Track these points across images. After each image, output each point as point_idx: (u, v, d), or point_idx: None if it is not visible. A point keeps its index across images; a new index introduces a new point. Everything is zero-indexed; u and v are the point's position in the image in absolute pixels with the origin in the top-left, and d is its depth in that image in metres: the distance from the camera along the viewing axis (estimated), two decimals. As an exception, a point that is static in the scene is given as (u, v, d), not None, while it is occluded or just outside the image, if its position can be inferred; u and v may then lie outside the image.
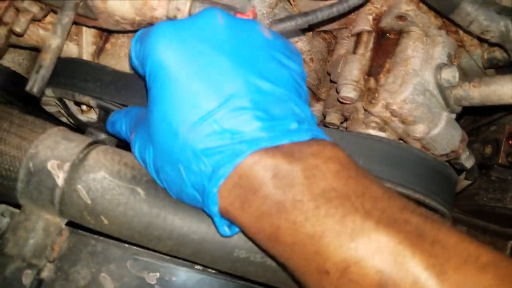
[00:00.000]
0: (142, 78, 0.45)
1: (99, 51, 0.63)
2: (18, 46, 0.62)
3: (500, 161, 0.87)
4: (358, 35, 0.62)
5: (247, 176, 0.37)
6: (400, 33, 0.59)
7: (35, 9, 0.53)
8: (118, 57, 0.62)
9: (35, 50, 0.68)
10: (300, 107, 0.42)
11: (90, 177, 0.43)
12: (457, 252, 0.33)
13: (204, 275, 0.46)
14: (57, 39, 0.44)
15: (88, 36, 0.62)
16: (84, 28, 0.61)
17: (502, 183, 0.88)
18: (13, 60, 0.75)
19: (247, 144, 0.38)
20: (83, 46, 0.62)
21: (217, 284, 0.46)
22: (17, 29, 0.52)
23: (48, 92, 0.58)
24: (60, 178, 0.42)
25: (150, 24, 0.52)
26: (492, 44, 0.53)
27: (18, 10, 0.53)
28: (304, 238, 0.35)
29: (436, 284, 0.31)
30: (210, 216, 0.41)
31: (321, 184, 0.36)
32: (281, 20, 0.49)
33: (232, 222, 0.40)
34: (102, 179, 0.43)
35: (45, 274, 0.44)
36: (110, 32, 0.63)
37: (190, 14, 0.49)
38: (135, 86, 0.56)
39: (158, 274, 0.46)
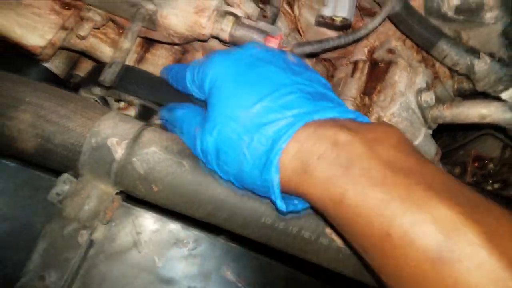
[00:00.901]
0: (197, 97, 0.55)
1: (140, 59, 0.73)
2: (67, 48, 0.72)
3: (467, 180, 1.00)
4: (355, 63, 0.75)
5: (307, 144, 0.41)
6: (389, 63, 0.72)
7: (97, 18, 0.63)
8: (156, 65, 0.72)
9: (80, 54, 0.78)
10: (337, 99, 0.48)
11: (144, 151, 0.52)
12: (506, 222, 0.36)
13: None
14: (127, 43, 0.55)
15: (128, 42, 0.72)
16: (128, 37, 0.71)
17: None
18: (52, 63, 0.84)
19: (301, 116, 0.43)
20: (128, 53, 0.72)
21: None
22: (81, 33, 0.62)
23: (95, 90, 0.67)
24: (118, 153, 0.51)
25: (196, 39, 0.63)
26: (460, 74, 0.67)
27: (82, 18, 0.63)
28: (371, 202, 0.38)
29: (491, 249, 0.33)
30: (269, 196, 0.45)
31: (384, 155, 0.39)
32: (301, 44, 0.61)
33: (292, 192, 0.44)
34: (153, 153, 0.52)
35: (96, 235, 0.52)
36: (152, 43, 0.74)
37: (231, 35, 0.61)
38: (171, 90, 0.66)
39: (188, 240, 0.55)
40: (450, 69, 0.71)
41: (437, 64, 0.74)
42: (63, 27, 0.65)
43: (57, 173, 0.54)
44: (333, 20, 0.62)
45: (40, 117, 0.50)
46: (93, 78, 0.68)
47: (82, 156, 0.51)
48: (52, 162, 0.52)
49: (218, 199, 0.50)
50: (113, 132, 0.52)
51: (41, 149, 0.51)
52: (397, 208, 0.36)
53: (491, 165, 1.03)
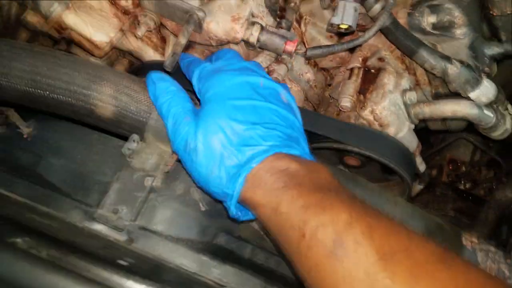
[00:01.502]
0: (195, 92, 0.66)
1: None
2: (118, 48, 0.87)
3: (443, 179, 1.17)
4: (351, 69, 0.93)
5: (267, 166, 0.53)
6: (379, 69, 0.90)
7: (151, 23, 0.80)
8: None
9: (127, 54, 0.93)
10: (303, 144, 0.60)
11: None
12: (385, 221, 0.47)
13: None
14: (184, 39, 0.71)
15: (170, 46, 0.88)
16: (170, 41, 0.88)
17: (444, 197, 1.18)
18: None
19: (274, 148, 0.54)
20: (167, 55, 0.88)
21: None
22: (139, 33, 0.79)
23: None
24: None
25: (229, 42, 0.80)
26: (437, 77, 0.85)
27: (139, 22, 0.80)
28: (295, 209, 0.48)
29: (368, 245, 0.43)
30: (225, 201, 0.57)
31: (314, 179, 0.51)
32: (314, 48, 0.79)
33: (245, 202, 0.54)
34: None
35: (156, 183, 0.66)
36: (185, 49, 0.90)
37: (258, 39, 0.78)
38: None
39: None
40: (429, 73, 0.89)
41: (418, 72, 0.92)
42: (121, 30, 0.81)
43: (121, 137, 0.69)
44: (340, 27, 0.80)
45: (118, 90, 0.65)
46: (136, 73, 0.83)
47: (150, 121, 0.66)
48: (124, 127, 0.67)
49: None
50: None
51: (118, 115, 0.65)
52: (311, 213, 0.46)
53: (463, 168, 1.21)
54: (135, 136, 0.67)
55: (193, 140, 0.57)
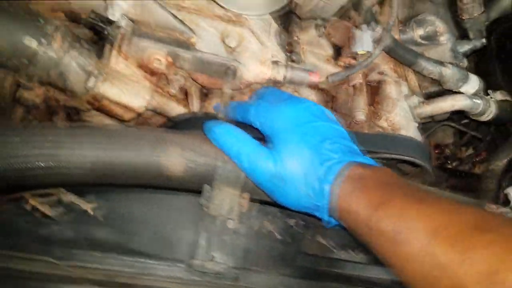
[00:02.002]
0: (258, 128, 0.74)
1: (201, 108, 0.95)
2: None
3: (432, 163, 1.30)
4: (354, 85, 1.03)
5: (344, 174, 0.60)
6: (379, 82, 1.02)
7: (182, 79, 0.85)
8: (214, 110, 0.95)
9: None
10: (358, 149, 0.69)
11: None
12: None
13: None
14: (228, 90, 0.77)
15: (195, 98, 0.93)
16: (192, 92, 0.93)
17: (438, 178, 1.31)
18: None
19: (342, 158, 0.62)
20: (193, 105, 0.93)
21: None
22: (173, 91, 0.83)
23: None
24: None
25: (258, 83, 0.87)
26: (433, 80, 0.98)
27: (170, 81, 0.85)
28: (362, 208, 0.56)
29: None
30: (315, 214, 0.65)
31: (379, 180, 0.60)
32: (334, 75, 0.88)
33: (335, 208, 0.61)
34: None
35: (236, 224, 0.71)
36: (206, 94, 0.96)
37: (285, 76, 0.86)
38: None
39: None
40: (418, 78, 1.02)
41: (409, 78, 1.05)
42: (153, 90, 0.86)
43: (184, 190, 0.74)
44: (358, 53, 0.90)
45: (183, 148, 0.70)
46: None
47: (218, 170, 0.71)
48: (194, 181, 0.71)
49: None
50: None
51: (188, 172, 0.70)
52: (372, 210, 0.55)
53: (447, 150, 1.36)
54: (207, 187, 0.72)
55: (277, 169, 0.64)
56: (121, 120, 0.92)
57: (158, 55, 0.79)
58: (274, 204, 0.77)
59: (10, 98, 1.00)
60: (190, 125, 0.85)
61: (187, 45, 0.80)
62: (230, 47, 0.84)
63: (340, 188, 0.60)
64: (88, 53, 0.81)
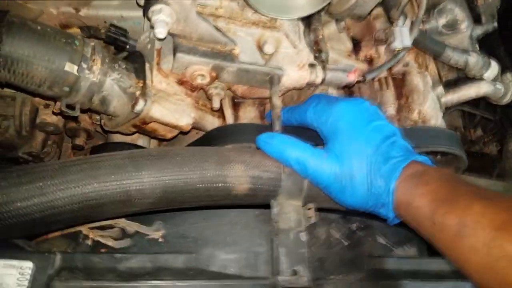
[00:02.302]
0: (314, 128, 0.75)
1: (236, 118, 0.93)
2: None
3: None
4: (379, 80, 1.05)
5: (407, 173, 0.63)
6: (404, 74, 1.03)
7: (222, 92, 0.83)
8: (251, 119, 0.93)
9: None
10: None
11: (318, 170, 0.73)
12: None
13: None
14: (278, 101, 0.76)
15: (228, 109, 0.92)
16: (227, 103, 0.91)
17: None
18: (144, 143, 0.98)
19: (405, 157, 0.64)
20: (228, 116, 0.91)
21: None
22: (215, 106, 0.82)
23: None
24: (305, 173, 0.72)
25: (295, 88, 0.87)
26: (459, 69, 1.00)
27: (210, 95, 0.83)
28: (426, 203, 0.58)
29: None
30: (378, 213, 0.67)
31: (441, 178, 0.61)
32: (370, 72, 0.88)
33: (398, 205, 0.63)
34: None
35: (304, 236, 0.71)
36: (237, 103, 0.94)
37: (323, 79, 0.85)
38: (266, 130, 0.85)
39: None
40: (438, 66, 1.04)
41: (429, 68, 1.07)
42: (195, 107, 0.84)
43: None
44: (397, 49, 0.91)
45: (246, 165, 0.69)
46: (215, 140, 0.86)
47: (282, 183, 0.71)
48: (259, 196, 0.71)
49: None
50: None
51: (252, 189, 0.69)
52: (437, 206, 0.57)
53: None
54: (274, 202, 0.71)
55: (343, 169, 0.66)
56: (161, 139, 0.89)
57: (203, 71, 0.77)
58: (333, 211, 0.78)
59: (30, 125, 0.96)
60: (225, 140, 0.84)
61: (231, 57, 0.78)
62: (267, 54, 0.83)
63: (403, 185, 0.62)
64: (127, 74, 0.77)
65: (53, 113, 0.86)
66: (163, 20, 0.69)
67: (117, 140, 0.92)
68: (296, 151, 0.69)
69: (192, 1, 0.71)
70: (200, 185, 0.67)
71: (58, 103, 0.74)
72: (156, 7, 0.68)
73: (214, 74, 0.79)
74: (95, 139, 1.10)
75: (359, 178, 0.65)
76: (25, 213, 0.60)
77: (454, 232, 0.54)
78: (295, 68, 0.84)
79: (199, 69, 0.77)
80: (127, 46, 0.86)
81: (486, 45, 1.14)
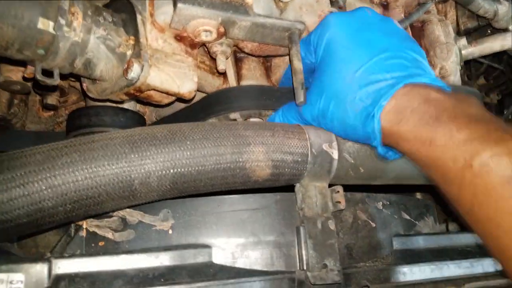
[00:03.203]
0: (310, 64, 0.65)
1: (239, 77, 0.80)
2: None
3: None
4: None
5: (402, 100, 0.51)
6: (423, 22, 0.91)
7: (228, 50, 0.69)
8: (256, 78, 0.80)
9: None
10: (429, 68, 0.59)
11: (346, 146, 0.63)
12: None
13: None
14: (299, 64, 0.63)
15: (231, 67, 0.78)
16: (229, 62, 0.77)
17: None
18: (130, 105, 0.85)
19: (400, 79, 0.53)
20: (230, 77, 0.78)
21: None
22: (222, 67, 0.68)
23: (235, 115, 0.73)
24: (334, 153, 0.62)
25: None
26: (486, 19, 0.89)
27: (214, 54, 0.69)
28: (457, 141, 0.47)
29: None
30: (369, 143, 0.58)
31: (467, 110, 0.50)
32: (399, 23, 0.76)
33: (386, 142, 0.55)
34: (351, 145, 0.64)
35: (332, 224, 0.63)
36: (240, 60, 0.80)
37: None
38: (276, 94, 0.74)
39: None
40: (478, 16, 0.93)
41: (448, 15, 0.96)
42: (198, 67, 0.70)
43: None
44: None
45: (267, 146, 0.59)
46: (217, 106, 0.73)
47: (308, 165, 0.61)
48: (282, 180, 0.61)
49: (397, 167, 0.65)
50: (321, 139, 0.62)
51: (275, 174, 0.59)
52: (479, 145, 0.45)
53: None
54: (298, 186, 0.62)
55: (318, 107, 0.60)
56: (155, 105, 0.76)
57: (209, 26, 0.63)
58: (358, 188, 0.70)
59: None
60: (234, 104, 0.72)
61: (245, 9, 0.63)
62: (283, 2, 0.69)
63: (404, 115, 0.52)
64: (115, 29, 0.62)
65: (24, 78, 0.69)
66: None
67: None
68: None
69: None
70: (216, 174, 0.56)
71: (29, 67, 0.59)
72: None
73: (222, 30, 0.64)
74: (70, 95, 0.94)
75: (334, 111, 0.58)
76: (8, 219, 0.48)
77: (504, 179, 0.44)
78: (315, 19, 0.70)
79: (205, 23, 0.63)
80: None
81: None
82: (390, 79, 0.54)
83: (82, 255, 0.57)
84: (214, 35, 0.64)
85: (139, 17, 0.62)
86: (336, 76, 0.57)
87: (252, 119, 0.74)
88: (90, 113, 0.73)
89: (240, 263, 0.60)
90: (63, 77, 0.62)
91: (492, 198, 0.45)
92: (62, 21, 0.55)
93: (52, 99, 0.86)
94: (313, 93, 0.62)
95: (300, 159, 0.60)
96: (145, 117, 0.83)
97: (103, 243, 0.61)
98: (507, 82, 1.21)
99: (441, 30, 0.89)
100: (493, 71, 1.22)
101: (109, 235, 0.60)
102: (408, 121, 0.51)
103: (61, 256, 0.55)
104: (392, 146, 0.56)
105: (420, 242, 0.71)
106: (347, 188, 0.66)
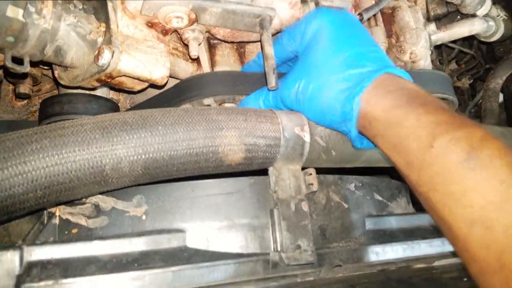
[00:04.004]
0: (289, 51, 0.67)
1: (213, 63, 0.80)
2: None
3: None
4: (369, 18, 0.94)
5: (382, 85, 0.55)
6: (393, 8, 0.93)
7: (201, 36, 0.69)
8: (230, 64, 0.81)
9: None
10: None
11: (318, 129, 0.64)
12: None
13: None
14: (271, 49, 0.64)
15: (204, 53, 0.78)
16: (201, 48, 0.77)
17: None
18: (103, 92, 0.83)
19: (381, 67, 0.57)
20: (204, 63, 0.78)
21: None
22: (194, 53, 0.68)
23: (208, 101, 0.73)
24: (306, 136, 0.63)
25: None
26: (454, 4, 0.91)
27: (186, 40, 0.68)
28: (424, 124, 0.49)
29: (505, 161, 0.44)
30: (344, 128, 0.59)
31: (436, 101, 0.53)
32: (367, 10, 0.77)
33: (361, 127, 0.57)
34: (324, 129, 0.65)
35: (306, 206, 0.64)
36: (214, 46, 0.80)
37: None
38: (249, 80, 0.74)
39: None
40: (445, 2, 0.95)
41: (418, 1, 0.97)
42: (169, 53, 0.69)
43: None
44: None
45: (240, 130, 0.59)
46: (190, 91, 0.73)
47: (281, 148, 0.62)
48: (255, 165, 0.62)
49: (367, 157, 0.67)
50: (293, 123, 0.63)
51: (248, 157, 0.60)
52: (442, 128, 0.48)
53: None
54: (272, 170, 0.63)
55: (297, 86, 0.62)
56: (128, 92, 0.75)
57: (180, 12, 0.62)
58: (331, 171, 0.71)
59: None
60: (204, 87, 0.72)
61: (215, -4, 0.63)
62: (254, -11, 0.69)
63: (380, 98, 0.55)
64: (86, 16, 0.61)
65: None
66: None
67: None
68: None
69: None
70: (188, 158, 0.56)
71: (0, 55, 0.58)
72: None
73: (193, 16, 0.64)
74: (43, 84, 0.93)
75: (316, 90, 0.60)
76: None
77: (460, 160, 0.46)
78: (286, 6, 0.71)
79: (176, 10, 0.62)
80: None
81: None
82: (372, 66, 0.57)
83: (54, 242, 0.56)
84: (186, 22, 0.64)
85: (109, 4, 0.61)
86: (323, 58, 0.60)
87: (226, 104, 0.74)
88: (62, 100, 0.72)
89: (215, 247, 0.61)
90: (34, 64, 0.61)
91: (447, 181, 0.46)
92: (32, 9, 0.54)
93: (24, 88, 0.84)
94: (292, 76, 0.64)
95: (272, 143, 0.61)
96: (118, 104, 0.83)
97: (76, 230, 0.60)
98: (478, 67, 1.24)
99: (410, 16, 0.90)
100: (464, 56, 1.25)
101: (83, 222, 0.60)
102: (384, 103, 0.54)
103: (33, 243, 0.54)
104: (364, 128, 0.58)
105: (392, 222, 0.72)
106: (321, 170, 0.67)
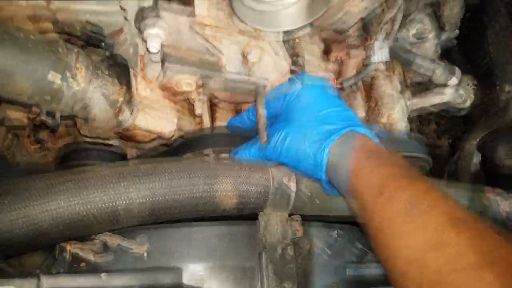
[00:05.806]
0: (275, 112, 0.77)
1: (213, 119, 0.90)
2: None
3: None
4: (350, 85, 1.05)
5: (347, 140, 0.65)
6: (373, 78, 1.05)
7: (205, 98, 0.80)
8: (228, 120, 0.91)
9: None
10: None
11: (304, 180, 0.73)
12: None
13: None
14: (263, 110, 0.74)
15: (206, 112, 0.89)
16: (205, 109, 0.88)
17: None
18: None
19: (350, 125, 0.67)
20: (205, 119, 0.88)
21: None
22: (199, 112, 0.79)
23: (207, 151, 0.83)
24: (292, 186, 0.72)
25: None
26: (427, 77, 1.04)
27: (192, 101, 0.79)
28: (377, 175, 0.58)
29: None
30: (315, 173, 0.68)
31: (391, 157, 0.63)
32: (347, 80, 0.89)
33: (331, 172, 0.66)
34: (308, 180, 0.73)
35: (291, 250, 0.71)
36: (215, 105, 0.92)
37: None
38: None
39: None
40: (404, 70, 1.08)
41: (396, 71, 1.10)
42: (178, 111, 0.80)
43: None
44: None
45: (234, 179, 0.68)
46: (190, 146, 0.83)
47: (270, 196, 0.70)
48: (247, 210, 0.70)
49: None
50: (281, 173, 0.72)
51: (240, 203, 0.69)
52: (391, 180, 0.56)
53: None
54: (262, 214, 0.71)
55: (279, 136, 0.72)
56: (137, 142, 0.85)
57: (190, 80, 0.74)
58: (316, 218, 0.79)
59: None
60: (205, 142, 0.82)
61: (219, 67, 0.75)
62: (250, 62, 0.81)
63: (345, 152, 0.64)
64: (110, 80, 0.72)
65: (28, 118, 0.78)
66: (156, 34, 0.65)
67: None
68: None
69: (186, 17, 0.67)
70: (189, 202, 0.65)
71: (34, 108, 0.68)
72: (149, 21, 0.63)
73: (200, 83, 0.75)
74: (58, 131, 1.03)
75: (293, 141, 0.70)
76: (8, 238, 0.55)
77: (402, 208, 0.52)
78: (277, 76, 0.82)
79: (187, 78, 0.74)
80: (102, 44, 0.80)
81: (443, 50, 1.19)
82: (341, 124, 0.68)
83: (66, 273, 0.63)
84: (194, 87, 0.75)
85: (131, 71, 0.73)
86: (302, 114, 0.71)
87: (222, 155, 0.84)
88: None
89: (208, 285, 0.67)
90: (62, 118, 0.71)
91: (391, 225, 0.52)
92: (68, 74, 0.65)
93: (43, 135, 0.94)
94: (276, 128, 0.74)
95: (263, 190, 0.69)
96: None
97: (84, 264, 0.67)
98: (455, 128, 1.35)
99: (388, 85, 1.02)
100: (443, 118, 1.37)
101: (91, 257, 0.67)
102: (347, 156, 0.64)
103: (48, 273, 0.61)
104: (332, 176, 0.67)
105: (371, 270, 0.79)
106: (307, 218, 0.75)
